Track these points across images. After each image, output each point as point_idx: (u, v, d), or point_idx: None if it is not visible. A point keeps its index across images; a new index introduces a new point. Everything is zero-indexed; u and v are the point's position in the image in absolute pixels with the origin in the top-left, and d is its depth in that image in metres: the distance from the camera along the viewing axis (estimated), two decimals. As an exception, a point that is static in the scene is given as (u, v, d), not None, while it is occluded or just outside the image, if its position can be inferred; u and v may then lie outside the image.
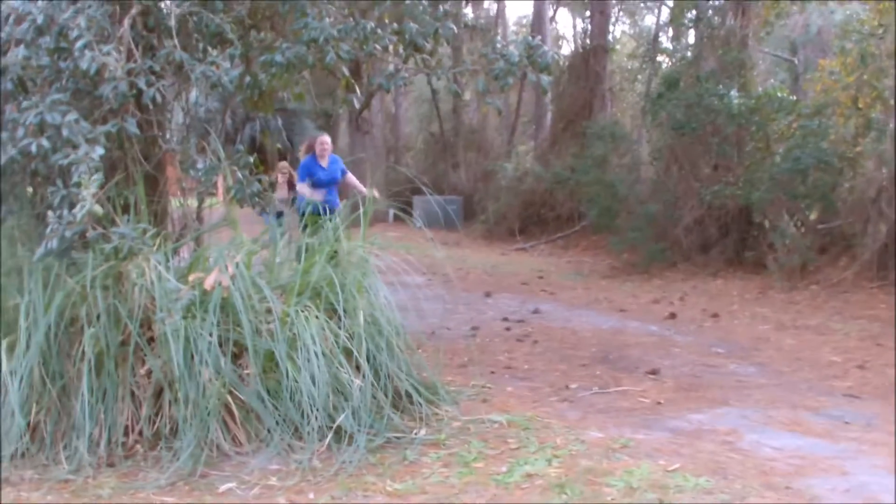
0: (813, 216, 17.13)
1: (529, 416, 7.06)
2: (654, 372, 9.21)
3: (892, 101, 17.01)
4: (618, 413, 7.53)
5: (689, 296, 15.13)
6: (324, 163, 12.88)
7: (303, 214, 10.87)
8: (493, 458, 6.06)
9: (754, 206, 17.19)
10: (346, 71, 11.35)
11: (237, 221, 7.52)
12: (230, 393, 6.10)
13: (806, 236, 16.43)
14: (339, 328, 6.50)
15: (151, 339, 6.25)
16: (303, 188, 12.77)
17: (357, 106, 15.98)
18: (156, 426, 6.07)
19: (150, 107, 7.27)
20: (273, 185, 15.30)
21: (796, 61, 32.16)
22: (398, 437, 6.28)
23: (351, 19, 9.60)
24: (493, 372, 8.80)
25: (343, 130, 34.89)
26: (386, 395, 6.50)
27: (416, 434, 6.38)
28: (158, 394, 6.12)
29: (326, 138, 13.29)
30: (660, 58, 28.30)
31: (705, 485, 5.59)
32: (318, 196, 12.19)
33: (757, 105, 18.17)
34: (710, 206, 17.81)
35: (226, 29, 7.94)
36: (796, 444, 6.72)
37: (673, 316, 13.01)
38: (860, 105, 17.82)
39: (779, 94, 19.26)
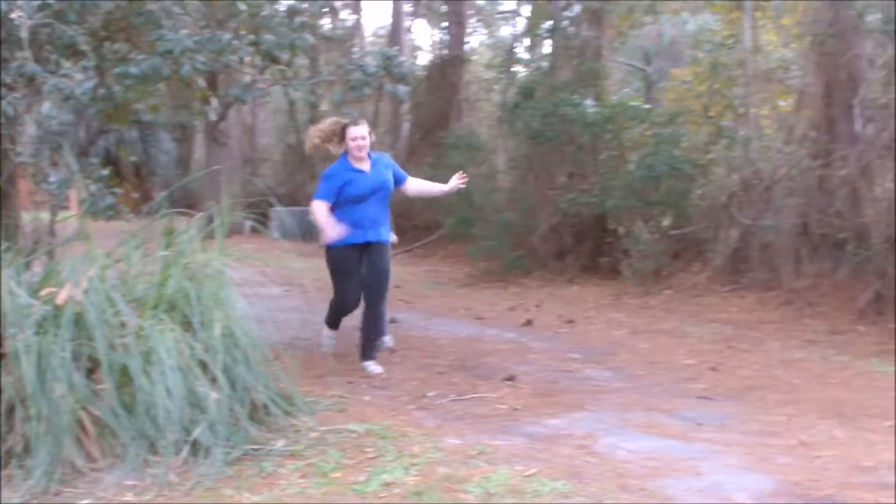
0: (666, 222, 17.52)
1: (387, 425, 7.12)
2: (510, 378, 9.34)
3: (741, 110, 17.49)
4: (475, 420, 7.63)
5: (546, 302, 15.34)
6: (364, 166, 9.42)
7: (332, 251, 9.50)
8: (350, 468, 6.11)
9: (609, 213, 17.52)
10: (202, 82, 11.29)
11: (91, 235, 7.44)
12: (84, 408, 6.02)
13: (660, 242, 16.79)
14: (195, 341, 6.47)
15: (2, 356, 6.16)
16: (319, 212, 9.27)
17: (213, 118, 15.88)
18: (8, 444, 5.99)
19: (2, 120, 7.18)
20: None
21: (650, 71, 32.75)
22: (256, 450, 6.28)
23: (207, 30, 9.58)
24: (350, 382, 8.84)
25: (199, 142, 34.56)
26: (243, 407, 6.50)
27: (273, 446, 6.38)
28: (10, 411, 6.03)
29: (363, 129, 9.39)
30: (516, 68, 28.55)
31: (562, 488, 5.71)
32: (336, 231, 9.14)
33: (611, 114, 18.51)
34: (566, 214, 18.10)
35: (79, 40, 7.88)
36: (651, 445, 6.89)
37: (529, 323, 13.19)
38: (711, 113, 18.32)
39: (633, 103, 19.66)
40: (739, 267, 15.74)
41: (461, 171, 9.84)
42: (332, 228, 9.08)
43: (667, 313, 14.42)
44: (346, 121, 9.50)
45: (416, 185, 10.20)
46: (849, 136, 14.99)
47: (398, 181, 9.75)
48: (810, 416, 8.26)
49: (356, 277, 9.47)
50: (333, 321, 10.06)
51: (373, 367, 9.59)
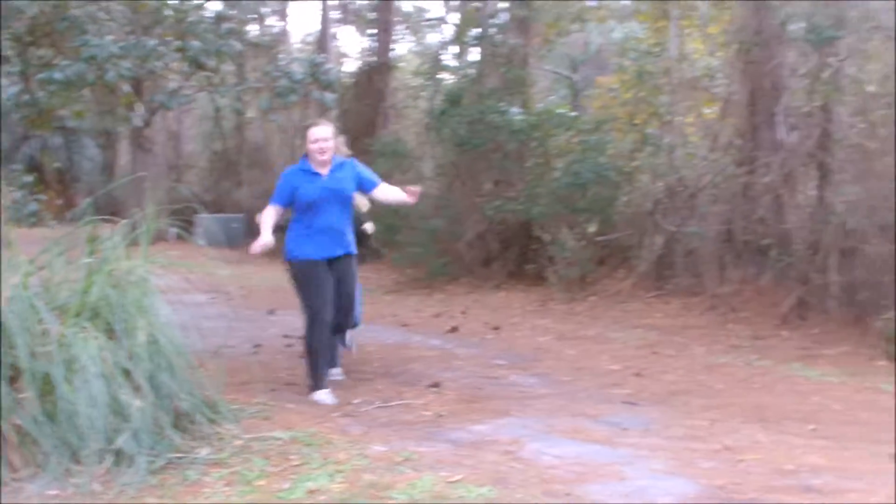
0: (592, 229, 17.64)
1: (312, 433, 7.08)
2: (436, 385, 9.34)
3: (667, 117, 17.64)
4: (400, 426, 7.62)
5: (472, 309, 15.38)
6: (322, 170, 8.62)
7: (294, 263, 8.87)
8: (275, 476, 6.07)
9: (535, 220, 17.61)
10: (127, 88, 11.21)
11: (14, 242, 7.35)
12: (6, 418, 5.96)
13: (585, 249, 16.91)
14: (119, 349, 6.40)
15: (-77, 365, 6.07)
16: (263, 216, 8.77)
17: (139, 124, 15.76)
18: (-72, 455, 5.90)
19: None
20: None
21: (576, 78, 32.94)
22: (180, 458, 6.22)
23: (132, 37, 9.52)
24: (275, 389, 8.78)
25: (124, 149, 34.24)
26: (167, 416, 6.43)
27: (197, 454, 6.33)
28: (-70, 421, 5.95)
29: (324, 130, 8.64)
30: (443, 75, 28.60)
31: (487, 494, 5.71)
32: (261, 244, 8.49)
33: (538, 121, 18.63)
34: (492, 221, 18.17)
35: (3, 46, 7.78)
36: (577, 451, 6.92)
37: (455, 329, 13.21)
38: (637, 121, 18.47)
39: (559, 111, 19.81)
40: (664, 273, 15.88)
41: (417, 187, 8.98)
42: (259, 240, 8.42)
43: (592, 319, 14.51)
44: (309, 122, 9.17)
45: (385, 192, 8.97)
46: (772, 144, 15.18)
47: (366, 188, 8.92)
48: (734, 421, 8.34)
49: (327, 287, 8.63)
50: (315, 357, 8.75)
51: (323, 396, 8.64)
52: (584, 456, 6.78)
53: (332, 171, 8.60)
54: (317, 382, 8.67)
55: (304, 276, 8.70)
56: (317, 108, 27.24)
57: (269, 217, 8.62)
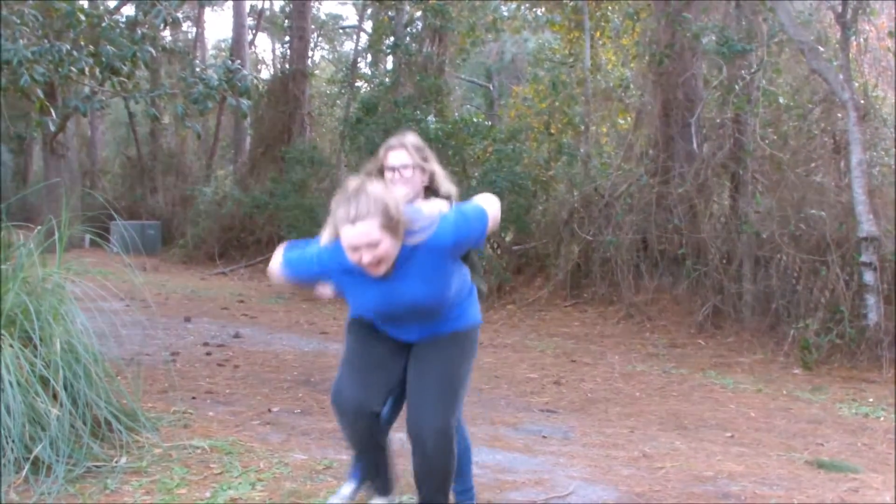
0: (508, 238, 17.68)
1: (232, 441, 7.03)
2: (355, 394, 9.30)
3: (581, 127, 17.78)
4: (321, 435, 7.58)
5: (389, 318, 15.35)
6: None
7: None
8: (196, 484, 6.02)
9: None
10: (40, 93, 11.05)
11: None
12: (-81, 426, 5.85)
13: (502, 257, 16.98)
14: (35, 357, 6.31)
15: None
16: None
17: (52, 129, 15.57)
18: None
19: None
20: None
21: (491, 87, 33.11)
22: (98, 466, 6.14)
23: (46, 41, 9.38)
24: (194, 397, 8.71)
25: (37, 154, 33.82)
26: (85, 424, 6.34)
27: (116, 462, 6.25)
28: None
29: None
30: (358, 83, 28.62)
31: (408, 502, 5.70)
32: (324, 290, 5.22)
33: (453, 130, 18.64)
34: (409, 230, 18.12)
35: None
36: (496, 459, 6.93)
37: (373, 338, 13.16)
38: (552, 130, 18.58)
39: (474, 120, 19.89)
40: (581, 282, 16.00)
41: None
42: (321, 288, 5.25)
43: (510, 328, 14.58)
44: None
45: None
46: (686, 154, 15.36)
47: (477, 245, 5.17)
48: (652, 428, 8.43)
49: (369, 357, 5.09)
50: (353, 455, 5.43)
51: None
52: (504, 464, 6.80)
53: (402, 262, 4.60)
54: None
55: (348, 337, 5.24)
56: (231, 115, 27.22)
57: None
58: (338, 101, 29.67)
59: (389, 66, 25.12)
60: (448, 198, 5.40)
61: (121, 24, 10.43)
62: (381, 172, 5.37)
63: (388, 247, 4.46)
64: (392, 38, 22.41)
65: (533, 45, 28.53)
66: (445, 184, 5.46)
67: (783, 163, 14.12)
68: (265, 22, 38.40)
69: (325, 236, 4.70)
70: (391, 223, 4.42)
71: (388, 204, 4.41)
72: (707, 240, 14.18)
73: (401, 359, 5.10)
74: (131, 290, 8.69)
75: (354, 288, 4.81)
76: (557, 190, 17.87)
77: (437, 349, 5.00)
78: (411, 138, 5.47)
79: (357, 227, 4.37)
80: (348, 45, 38.23)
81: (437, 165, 5.49)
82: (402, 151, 5.36)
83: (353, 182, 4.52)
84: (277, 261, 4.98)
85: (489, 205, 4.72)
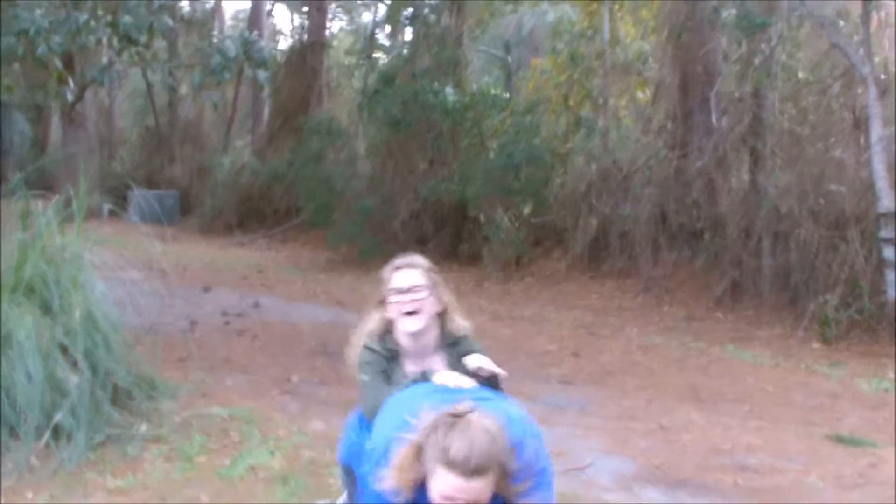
0: (527, 210, 17.67)
1: (251, 410, 7.07)
2: (372, 363, 9.30)
3: (600, 100, 17.71)
4: (339, 404, 7.59)
5: (407, 289, 15.34)
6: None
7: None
8: (215, 452, 6.05)
9: (469, 200, 17.58)
10: (58, 63, 11.06)
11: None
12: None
13: (520, 230, 16.99)
14: (55, 325, 6.33)
15: None
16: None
17: (70, 99, 15.58)
18: None
19: None
20: None
21: (510, 60, 32.98)
22: (118, 434, 6.17)
23: (63, 11, 9.38)
24: (212, 366, 8.75)
25: (55, 124, 33.80)
26: (105, 392, 6.38)
27: (136, 430, 6.29)
28: None
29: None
30: (376, 54, 28.54)
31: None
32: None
33: (471, 102, 18.60)
34: (426, 201, 18.13)
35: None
36: (513, 431, 6.94)
37: (390, 309, 13.16)
38: (570, 103, 18.48)
39: (492, 92, 19.83)
40: (599, 255, 15.96)
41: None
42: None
43: (528, 300, 14.56)
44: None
45: None
46: (705, 128, 15.29)
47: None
48: (669, 401, 8.42)
49: None
50: None
51: None
52: (522, 435, 6.81)
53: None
54: None
55: None
56: (249, 86, 27.17)
57: None
58: (356, 73, 29.57)
59: (408, 37, 25.03)
60: (464, 337, 4.70)
61: (138, -5, 10.42)
62: (382, 304, 4.61)
63: (487, 500, 3.33)
64: (410, 10, 22.33)
65: (552, 17, 28.39)
66: (458, 318, 4.74)
67: (802, 138, 14.04)
68: (283, -8, 38.33)
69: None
70: (504, 478, 3.36)
71: (508, 453, 3.36)
72: (726, 214, 14.10)
73: None
74: (150, 259, 8.71)
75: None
76: (575, 163, 17.79)
77: None
78: (420, 259, 4.72)
79: (472, 483, 3.23)
80: (367, 17, 38.09)
81: (450, 294, 4.73)
82: (414, 271, 4.61)
83: (457, 406, 3.39)
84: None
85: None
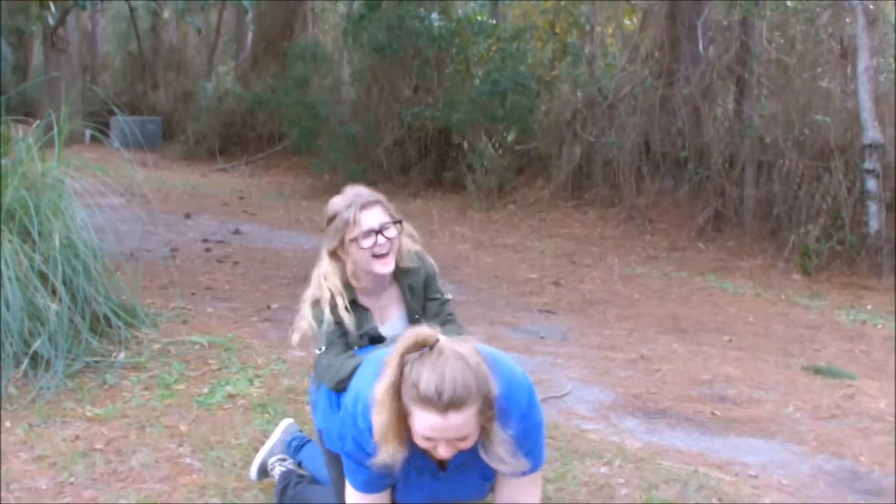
0: (511, 138, 17.60)
1: (231, 337, 7.06)
2: (354, 292, 9.30)
3: (587, 27, 17.60)
4: (319, 333, 7.60)
5: (390, 216, 15.33)
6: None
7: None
8: (194, 380, 6.05)
9: (454, 127, 17.52)
10: (39, -14, 10.94)
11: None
12: (-82, 320, 5.85)
13: (503, 157, 16.93)
14: (34, 252, 6.30)
15: None
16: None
17: (52, 23, 15.41)
18: None
19: None
20: None
21: (496, -14, 32.76)
22: (97, 362, 6.16)
23: (44, -68, 9.25)
24: (193, 293, 8.72)
25: (37, 48, 33.53)
26: (84, 319, 6.35)
27: (115, 358, 6.28)
28: None
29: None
30: (362, -21, 28.31)
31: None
32: None
33: (457, 28, 18.48)
34: (411, 128, 18.05)
35: None
36: (493, 358, 6.96)
37: (375, 235, 13.14)
38: (557, 30, 18.34)
39: (479, 18, 19.61)
40: (582, 183, 15.93)
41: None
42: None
43: (510, 228, 14.56)
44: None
45: None
46: (692, 57, 15.19)
47: None
48: (650, 331, 8.46)
49: None
50: None
51: None
52: (503, 364, 6.83)
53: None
54: None
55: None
56: (233, 10, 26.92)
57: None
58: (340, -3, 29.37)
59: (394, -39, 24.83)
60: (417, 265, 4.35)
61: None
62: (343, 245, 4.08)
63: (474, 438, 3.18)
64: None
65: (538, -58, 28.21)
66: (409, 243, 4.32)
67: (789, 67, 13.99)
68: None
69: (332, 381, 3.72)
70: (488, 410, 3.15)
71: (487, 379, 3.14)
72: (710, 143, 14.06)
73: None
74: (131, 185, 8.67)
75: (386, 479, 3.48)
76: (561, 90, 17.73)
77: None
78: (375, 192, 4.21)
79: (450, 419, 3.02)
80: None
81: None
82: (378, 208, 4.10)
83: (420, 332, 3.14)
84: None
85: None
